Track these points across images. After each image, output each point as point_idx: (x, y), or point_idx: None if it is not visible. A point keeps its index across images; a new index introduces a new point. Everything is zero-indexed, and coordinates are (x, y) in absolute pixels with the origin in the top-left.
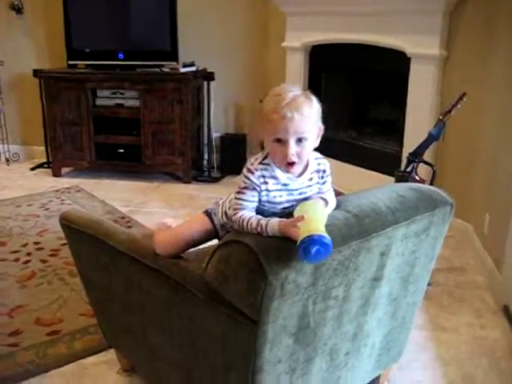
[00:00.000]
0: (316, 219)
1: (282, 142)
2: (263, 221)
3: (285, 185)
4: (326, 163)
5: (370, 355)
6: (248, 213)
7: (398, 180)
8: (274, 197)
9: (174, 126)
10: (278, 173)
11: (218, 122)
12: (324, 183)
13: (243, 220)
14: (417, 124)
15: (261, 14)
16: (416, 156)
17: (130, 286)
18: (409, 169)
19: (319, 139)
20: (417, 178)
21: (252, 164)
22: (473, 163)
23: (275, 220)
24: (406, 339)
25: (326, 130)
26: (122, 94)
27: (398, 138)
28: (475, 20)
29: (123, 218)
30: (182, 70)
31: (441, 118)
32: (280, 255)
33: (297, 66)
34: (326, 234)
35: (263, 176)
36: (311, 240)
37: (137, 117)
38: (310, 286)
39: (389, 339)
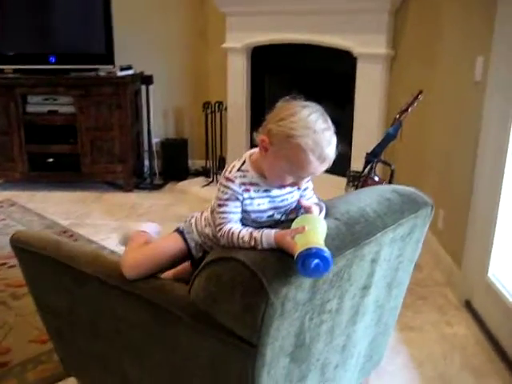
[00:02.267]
0: (316, 232)
1: (296, 176)
2: (256, 233)
3: (266, 191)
4: None
5: (355, 365)
6: (236, 225)
7: (353, 180)
8: (259, 204)
9: (112, 133)
10: (258, 179)
11: (158, 126)
12: (305, 189)
13: (232, 234)
14: (365, 124)
15: (199, 14)
16: (375, 156)
17: (99, 310)
18: (367, 169)
19: None
20: (376, 178)
21: (230, 172)
22: (425, 161)
23: (270, 231)
24: (386, 344)
25: None
26: (55, 99)
27: (347, 139)
28: (421, 17)
29: (65, 231)
30: (120, 73)
31: (397, 117)
32: (278, 271)
33: (239, 68)
34: (325, 248)
35: (243, 183)
36: (310, 253)
37: (73, 123)
38: (308, 302)
39: (372, 346)
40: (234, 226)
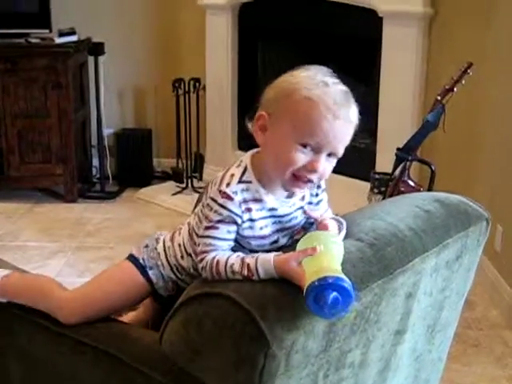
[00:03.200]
0: (330, 254)
1: (309, 149)
2: (249, 259)
3: (272, 210)
4: None
5: None
6: (222, 253)
7: (379, 185)
8: (261, 228)
9: (49, 121)
10: (263, 193)
11: (112, 113)
12: (318, 202)
13: (218, 262)
14: (395, 108)
15: None
16: (409, 152)
17: (34, 367)
18: (398, 170)
19: None
20: (411, 183)
21: (228, 185)
22: (476, 159)
23: (268, 255)
24: None
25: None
26: None
27: (370, 128)
28: None
29: None
30: (58, 40)
31: (439, 98)
32: (282, 310)
33: (221, 32)
34: (344, 277)
35: (245, 201)
36: (325, 285)
37: None
38: (322, 353)
39: None
40: (220, 253)
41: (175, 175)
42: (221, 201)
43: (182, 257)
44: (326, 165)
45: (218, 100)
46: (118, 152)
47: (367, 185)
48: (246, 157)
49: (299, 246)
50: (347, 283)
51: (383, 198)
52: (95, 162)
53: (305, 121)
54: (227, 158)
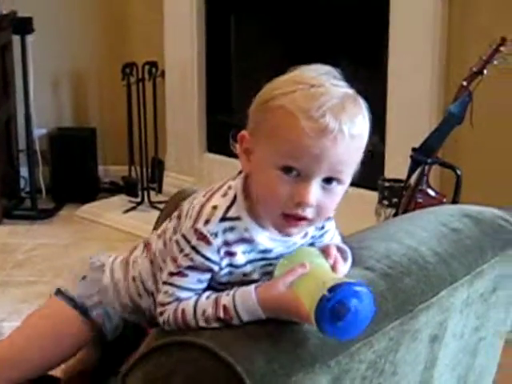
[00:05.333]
0: (325, 267)
1: (295, 173)
2: (224, 297)
3: (264, 251)
4: None
5: None
6: (187, 300)
7: (389, 195)
8: (245, 274)
9: None
10: (256, 231)
11: (44, 108)
12: (323, 235)
13: (183, 312)
14: (408, 97)
15: None
16: (427, 153)
17: None
18: (414, 176)
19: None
20: (431, 192)
21: (207, 222)
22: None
23: (247, 288)
24: None
25: (242, 111)
26: None
27: (376, 123)
28: None
29: None
30: None
31: (465, 84)
32: (274, 363)
33: (184, 3)
34: (351, 280)
35: (226, 244)
36: (341, 292)
37: None
38: None
39: None
40: (184, 301)
41: (127, 187)
42: (194, 243)
43: (139, 295)
44: (323, 195)
45: (181, 89)
46: (53, 158)
47: (375, 195)
48: (237, 181)
49: (278, 270)
50: (360, 287)
51: (396, 213)
52: (23, 171)
53: (280, 137)
54: (193, 164)
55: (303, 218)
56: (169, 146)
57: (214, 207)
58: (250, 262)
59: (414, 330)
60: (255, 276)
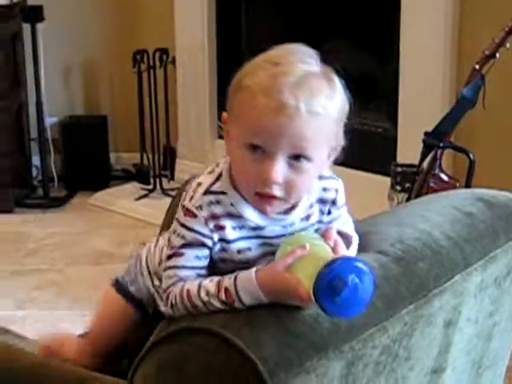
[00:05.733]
0: (324, 248)
1: (260, 151)
2: (227, 281)
3: (256, 229)
4: (338, 188)
5: None
6: (191, 281)
7: (402, 180)
8: (239, 251)
9: None
10: (243, 207)
11: (55, 96)
12: (331, 221)
13: (188, 292)
14: (420, 80)
15: None
16: (440, 137)
17: None
18: (427, 161)
19: (332, 159)
20: (444, 177)
21: (192, 198)
22: None
23: (248, 272)
24: None
25: None
26: None
27: (388, 108)
28: None
29: None
30: None
31: (477, 67)
32: (286, 348)
33: None
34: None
35: (213, 217)
36: (339, 266)
37: None
38: None
39: None
40: (188, 282)
41: (139, 174)
42: (182, 220)
43: (159, 263)
44: (292, 173)
45: (192, 76)
46: (65, 146)
47: (387, 180)
48: (225, 160)
49: (279, 253)
50: (358, 262)
51: (409, 197)
52: (35, 160)
53: (244, 115)
54: (205, 151)
55: (273, 197)
56: (180, 133)
57: (199, 184)
58: (242, 238)
59: (428, 315)
60: (252, 254)
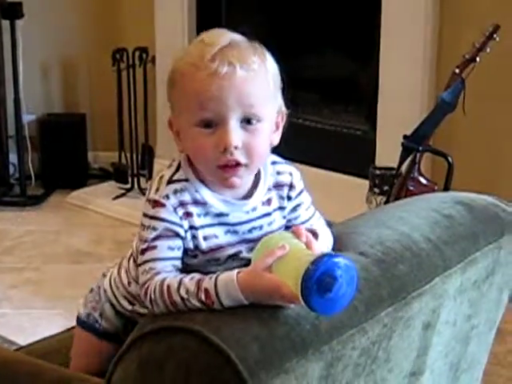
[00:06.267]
0: (303, 248)
1: (212, 125)
2: (207, 281)
3: (220, 215)
4: (292, 171)
5: None
6: (171, 275)
7: (380, 183)
8: (205, 238)
9: None
10: (206, 193)
11: (33, 93)
12: (296, 208)
13: (169, 287)
14: (399, 83)
15: None
16: (419, 141)
17: None
18: (405, 163)
19: (280, 131)
20: (423, 180)
21: (157, 190)
22: (503, 148)
23: (229, 274)
24: None
25: None
26: None
27: (367, 110)
28: None
29: None
30: None
31: (457, 71)
32: (266, 349)
33: None
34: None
35: (182, 204)
36: (325, 263)
37: None
38: None
39: None
40: (168, 276)
41: (117, 173)
42: (151, 212)
43: (129, 283)
44: (248, 136)
45: None
46: (43, 144)
47: (365, 183)
48: (181, 155)
49: (255, 256)
50: (340, 258)
51: (387, 200)
52: (13, 157)
53: (185, 98)
54: None
55: (237, 164)
56: (159, 133)
57: (161, 177)
58: (207, 226)
59: (407, 317)
60: (219, 242)
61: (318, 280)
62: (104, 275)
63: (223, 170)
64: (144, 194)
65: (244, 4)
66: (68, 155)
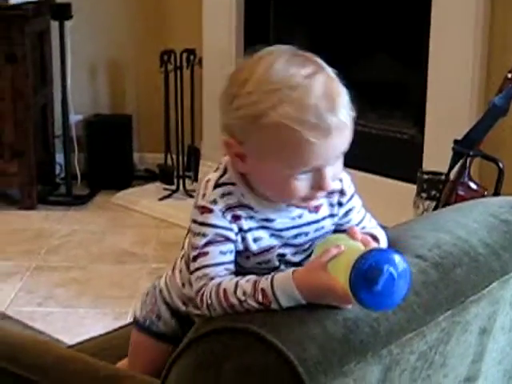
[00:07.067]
0: (358, 247)
1: (310, 173)
2: (263, 281)
3: (266, 221)
4: (342, 177)
5: None
6: (226, 278)
7: (428, 188)
8: (255, 240)
9: (0, 105)
10: (252, 198)
11: (81, 94)
12: (347, 213)
13: (225, 291)
14: (449, 88)
15: None
16: (470, 145)
17: None
18: (456, 168)
19: None
20: (473, 185)
21: (204, 195)
22: None
23: (285, 273)
24: None
25: None
26: None
27: (415, 114)
28: None
29: None
30: (13, 0)
31: (509, 76)
32: (325, 351)
33: None
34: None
35: (229, 208)
36: (373, 257)
37: None
38: None
39: None
40: (223, 279)
41: (163, 175)
42: (200, 218)
43: (183, 284)
44: (334, 171)
45: (218, 77)
46: (89, 145)
47: (412, 187)
48: (227, 159)
49: (315, 254)
50: (392, 253)
51: (436, 205)
52: (59, 157)
53: (290, 154)
54: None
55: (321, 196)
56: (205, 135)
57: (208, 181)
58: (254, 229)
59: (464, 322)
60: (268, 243)
61: (365, 272)
62: (159, 277)
63: (304, 202)
64: (189, 196)
65: (292, 5)
66: (114, 156)
